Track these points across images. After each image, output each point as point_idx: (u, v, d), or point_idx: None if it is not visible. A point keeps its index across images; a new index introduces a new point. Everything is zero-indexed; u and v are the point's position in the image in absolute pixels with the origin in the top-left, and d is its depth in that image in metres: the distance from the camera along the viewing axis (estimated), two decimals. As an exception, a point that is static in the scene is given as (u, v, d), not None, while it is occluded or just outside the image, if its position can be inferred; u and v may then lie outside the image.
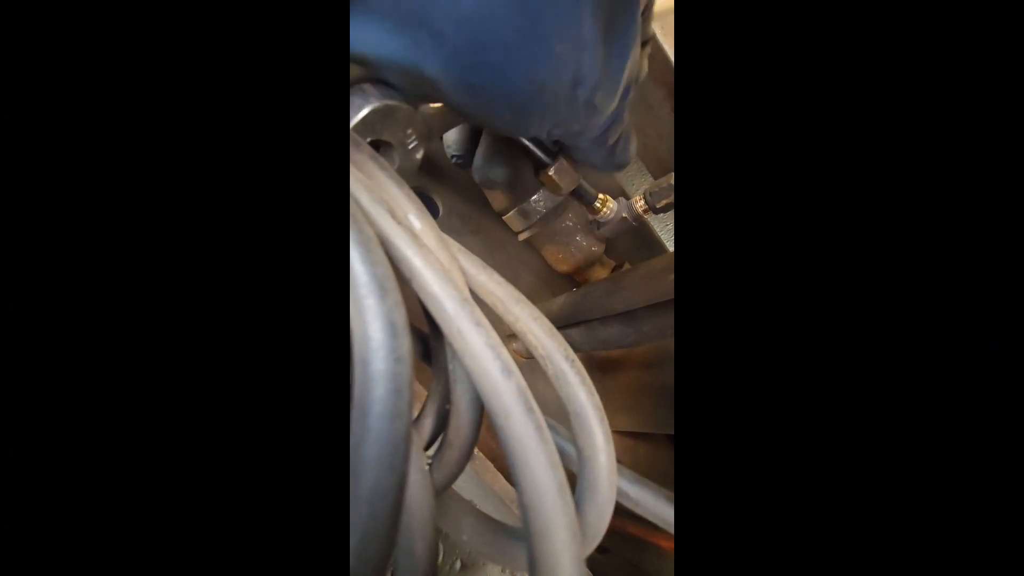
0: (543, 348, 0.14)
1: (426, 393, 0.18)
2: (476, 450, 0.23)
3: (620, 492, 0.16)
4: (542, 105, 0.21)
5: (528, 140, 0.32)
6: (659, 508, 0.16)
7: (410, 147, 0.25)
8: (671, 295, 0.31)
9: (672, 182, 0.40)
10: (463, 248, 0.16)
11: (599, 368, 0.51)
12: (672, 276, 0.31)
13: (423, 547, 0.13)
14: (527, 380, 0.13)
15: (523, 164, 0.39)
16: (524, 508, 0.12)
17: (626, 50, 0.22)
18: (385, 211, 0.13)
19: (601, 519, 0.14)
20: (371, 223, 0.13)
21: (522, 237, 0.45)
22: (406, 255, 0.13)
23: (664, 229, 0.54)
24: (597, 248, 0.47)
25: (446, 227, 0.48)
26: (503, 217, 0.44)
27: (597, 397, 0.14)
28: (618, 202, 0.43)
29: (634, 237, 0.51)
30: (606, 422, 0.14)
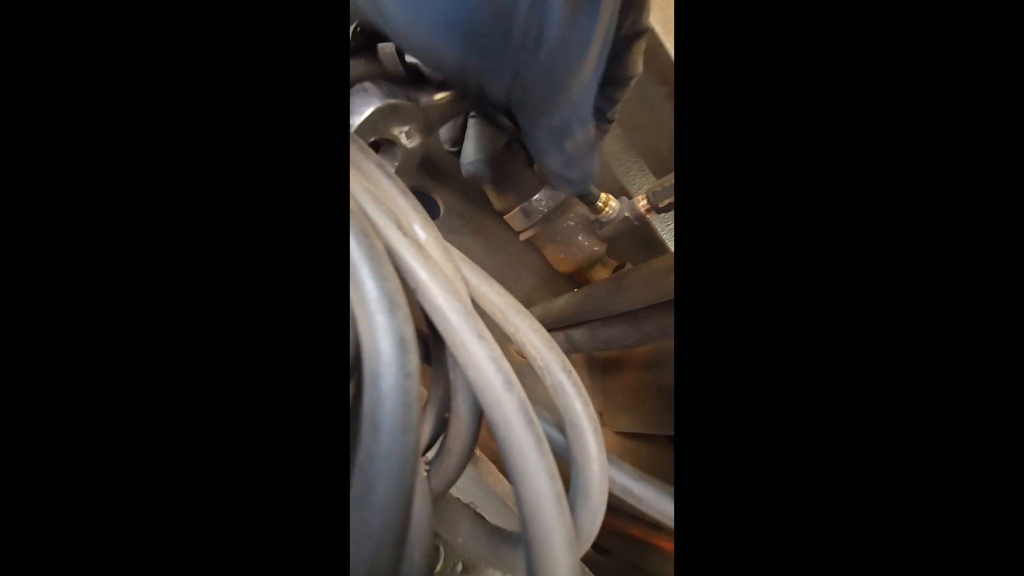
0: (541, 359, 0.15)
1: (426, 394, 0.18)
2: (478, 452, 0.24)
3: (623, 489, 0.16)
4: (495, 44, 0.19)
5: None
6: (661, 504, 0.17)
7: (411, 144, 0.25)
8: (673, 295, 0.31)
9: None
10: (465, 258, 0.16)
11: (601, 368, 0.51)
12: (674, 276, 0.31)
13: (421, 553, 0.13)
14: (525, 377, 0.13)
15: (513, 159, 0.39)
16: (523, 516, 0.12)
17: (592, 27, 0.20)
18: (392, 223, 0.13)
19: (592, 524, 0.14)
20: (380, 236, 0.13)
21: (523, 237, 0.45)
22: (412, 267, 0.13)
23: (666, 229, 0.54)
24: (599, 248, 0.47)
25: (447, 227, 0.48)
26: (504, 217, 0.45)
27: (592, 408, 0.15)
28: (620, 201, 0.43)
29: (636, 237, 0.52)
30: (600, 432, 0.14)
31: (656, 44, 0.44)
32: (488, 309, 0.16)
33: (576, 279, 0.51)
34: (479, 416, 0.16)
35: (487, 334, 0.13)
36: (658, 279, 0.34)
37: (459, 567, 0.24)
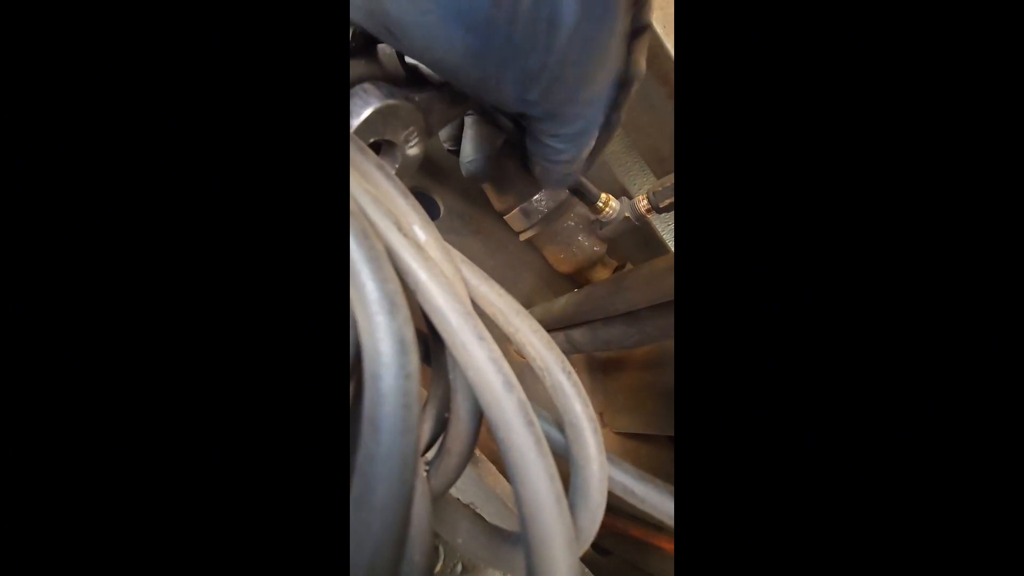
0: (541, 360, 0.15)
1: (426, 394, 0.18)
2: (478, 452, 0.24)
3: (624, 489, 0.16)
4: (498, 38, 0.17)
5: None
6: (663, 504, 0.16)
7: (411, 144, 0.25)
8: (673, 295, 0.31)
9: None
10: (465, 258, 0.16)
11: (601, 369, 0.51)
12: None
13: (421, 552, 0.13)
14: (525, 378, 0.13)
15: (511, 159, 0.39)
16: (523, 516, 0.12)
17: (613, 4, 0.18)
18: (392, 224, 0.13)
19: (592, 524, 0.14)
20: (380, 237, 0.13)
21: (523, 237, 0.45)
22: (412, 268, 0.13)
23: (667, 229, 0.54)
24: (599, 248, 0.47)
25: (447, 227, 0.48)
26: (504, 217, 0.45)
27: (591, 408, 0.15)
28: (621, 202, 0.43)
29: (636, 237, 0.52)
30: (599, 432, 0.14)
31: (657, 44, 0.44)
32: (488, 310, 0.16)
33: (576, 279, 0.51)
34: (479, 417, 0.16)
35: (487, 335, 0.13)
36: (659, 279, 0.34)
37: (459, 567, 0.24)
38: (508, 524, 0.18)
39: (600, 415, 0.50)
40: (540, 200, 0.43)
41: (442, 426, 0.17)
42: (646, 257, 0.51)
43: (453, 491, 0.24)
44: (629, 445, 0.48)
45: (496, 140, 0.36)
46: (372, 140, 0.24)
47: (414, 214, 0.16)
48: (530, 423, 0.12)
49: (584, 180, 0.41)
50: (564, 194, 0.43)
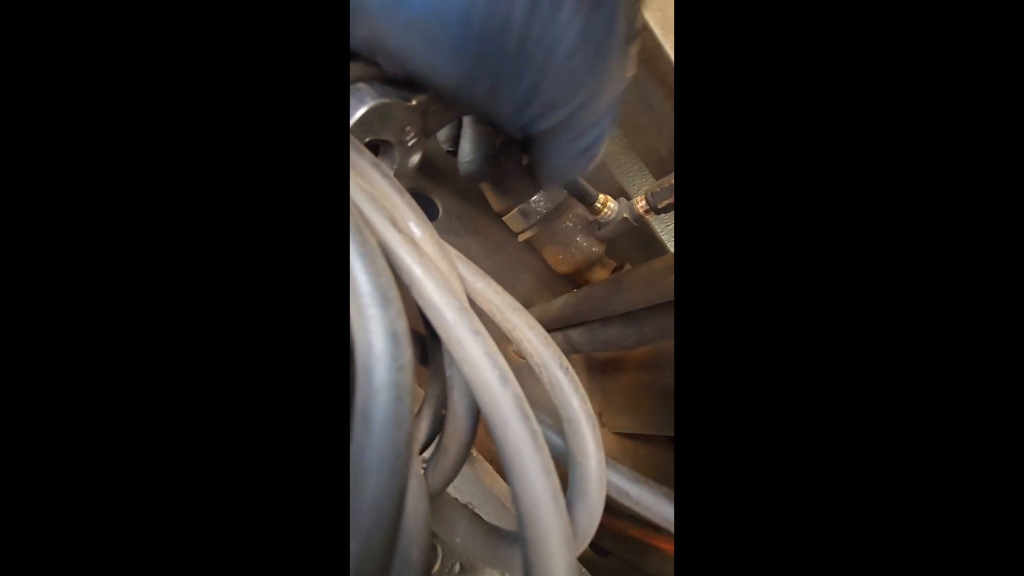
0: (538, 356, 0.15)
1: (423, 393, 0.18)
2: (475, 452, 0.24)
3: (619, 491, 0.16)
4: (491, 58, 0.17)
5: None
6: (658, 506, 0.16)
7: (409, 145, 0.25)
8: (672, 296, 0.31)
9: (673, 182, 0.40)
10: (461, 256, 0.16)
11: (600, 369, 0.51)
12: (673, 277, 0.31)
13: (418, 551, 0.13)
14: (523, 379, 0.13)
15: (510, 159, 0.39)
16: (520, 513, 0.12)
17: (611, 14, 0.18)
18: (387, 220, 0.13)
19: (591, 522, 0.14)
20: (373, 232, 0.13)
21: (522, 238, 0.45)
22: (406, 263, 0.13)
23: (665, 230, 0.54)
24: (598, 249, 0.47)
25: (445, 228, 0.48)
26: (503, 218, 0.45)
27: (589, 404, 0.14)
28: (619, 202, 0.43)
29: (635, 238, 0.52)
30: (597, 429, 0.14)
31: (655, 45, 0.44)
32: (485, 307, 0.16)
33: (575, 280, 0.51)
34: (476, 412, 0.15)
35: (482, 330, 0.13)
36: (657, 280, 0.34)
37: (457, 567, 0.24)
38: (506, 524, 0.18)
39: (599, 415, 0.50)
40: (538, 201, 0.43)
41: (440, 424, 0.17)
42: (645, 258, 0.51)
43: (451, 491, 0.24)
44: (628, 445, 0.48)
45: (495, 140, 0.36)
46: (369, 140, 0.24)
47: (409, 211, 0.15)
48: (526, 417, 0.12)
49: (583, 181, 0.41)
50: (562, 195, 0.43)
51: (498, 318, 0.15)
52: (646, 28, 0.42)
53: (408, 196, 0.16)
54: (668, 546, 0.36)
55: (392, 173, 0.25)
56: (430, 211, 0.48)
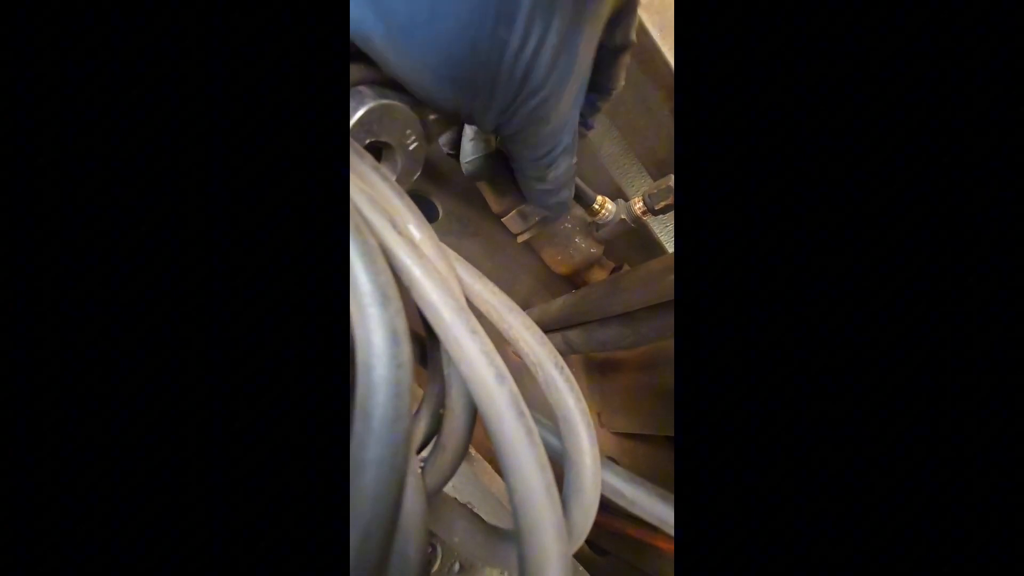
0: (534, 355, 0.15)
1: (421, 393, 0.18)
2: (474, 451, 0.24)
3: (615, 491, 0.17)
4: (486, 89, 0.21)
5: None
6: (654, 507, 0.17)
7: (411, 148, 0.26)
8: (670, 296, 0.31)
9: (670, 184, 0.40)
10: (460, 257, 0.16)
11: (598, 369, 0.51)
12: (671, 277, 0.32)
13: (415, 549, 0.13)
14: (520, 379, 0.13)
15: (507, 162, 0.39)
16: (514, 507, 0.12)
17: (574, 61, 0.22)
18: (387, 221, 0.14)
19: (586, 518, 0.14)
20: (374, 233, 0.13)
21: (521, 239, 0.46)
22: (406, 264, 0.13)
23: (663, 231, 0.55)
24: (596, 250, 0.47)
25: (445, 229, 0.48)
26: (502, 219, 0.45)
27: (584, 403, 0.15)
28: (616, 204, 0.43)
29: (633, 239, 0.52)
30: (592, 427, 0.15)
31: (653, 48, 0.44)
32: (482, 307, 0.16)
33: (574, 281, 0.51)
34: (473, 411, 0.16)
35: (479, 329, 0.13)
36: (655, 280, 0.34)
37: (456, 566, 0.24)
38: (505, 523, 0.18)
39: (597, 415, 0.50)
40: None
41: (438, 424, 0.17)
42: (643, 258, 0.52)
43: (450, 490, 0.24)
44: (626, 445, 0.48)
45: (492, 141, 0.37)
46: (369, 142, 0.24)
47: (409, 213, 0.16)
48: (521, 414, 0.12)
49: (580, 183, 0.41)
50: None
51: (495, 318, 0.16)
52: (645, 32, 0.43)
53: (408, 199, 0.16)
54: (666, 545, 0.36)
55: (394, 177, 0.25)
56: (430, 213, 0.48)
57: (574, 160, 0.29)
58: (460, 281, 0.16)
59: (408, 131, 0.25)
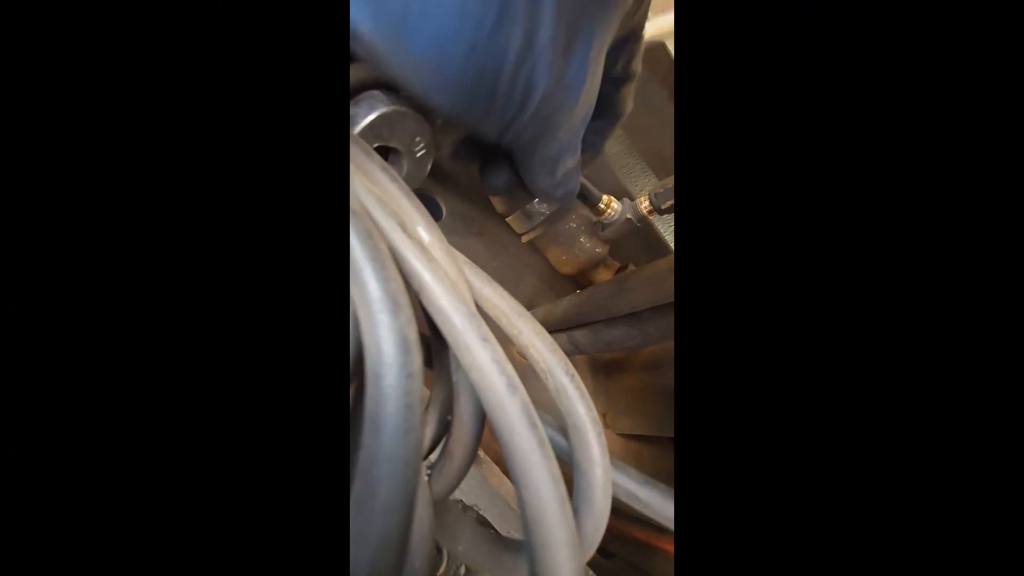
0: (544, 362, 0.15)
1: (428, 395, 0.18)
2: (482, 453, 0.24)
3: (628, 494, 0.16)
4: (484, 98, 0.20)
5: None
6: (668, 508, 0.16)
7: (418, 155, 0.26)
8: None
9: (677, 183, 0.40)
10: (468, 260, 0.16)
11: (604, 370, 0.51)
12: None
13: (422, 558, 0.13)
14: (528, 380, 0.13)
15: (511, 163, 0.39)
16: (526, 520, 0.12)
17: (583, 71, 0.21)
18: (396, 224, 0.13)
19: (597, 529, 0.14)
20: (383, 237, 0.13)
21: (525, 239, 0.45)
22: (416, 269, 0.13)
23: (669, 230, 0.54)
24: (601, 250, 0.47)
25: (449, 229, 0.48)
26: (506, 219, 0.45)
27: (595, 411, 0.14)
28: (622, 203, 0.43)
29: (639, 239, 0.52)
30: (603, 435, 0.14)
31: (658, 46, 0.44)
32: (491, 312, 0.16)
33: (579, 281, 0.51)
34: (482, 419, 0.15)
35: (491, 336, 0.13)
36: (661, 280, 0.34)
37: (462, 570, 0.24)
38: (512, 526, 0.18)
39: (603, 416, 0.50)
40: (541, 203, 0.43)
41: (444, 429, 0.17)
42: (649, 258, 0.51)
43: (457, 492, 0.24)
44: (632, 447, 0.48)
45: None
46: (377, 145, 0.24)
47: (418, 216, 0.16)
48: (534, 425, 0.12)
49: (585, 182, 0.41)
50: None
51: (504, 324, 0.15)
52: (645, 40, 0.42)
53: (417, 200, 0.16)
54: (672, 547, 0.36)
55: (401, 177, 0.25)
56: (434, 212, 0.48)
57: (579, 152, 0.29)
58: (470, 285, 0.15)
59: (417, 138, 0.25)
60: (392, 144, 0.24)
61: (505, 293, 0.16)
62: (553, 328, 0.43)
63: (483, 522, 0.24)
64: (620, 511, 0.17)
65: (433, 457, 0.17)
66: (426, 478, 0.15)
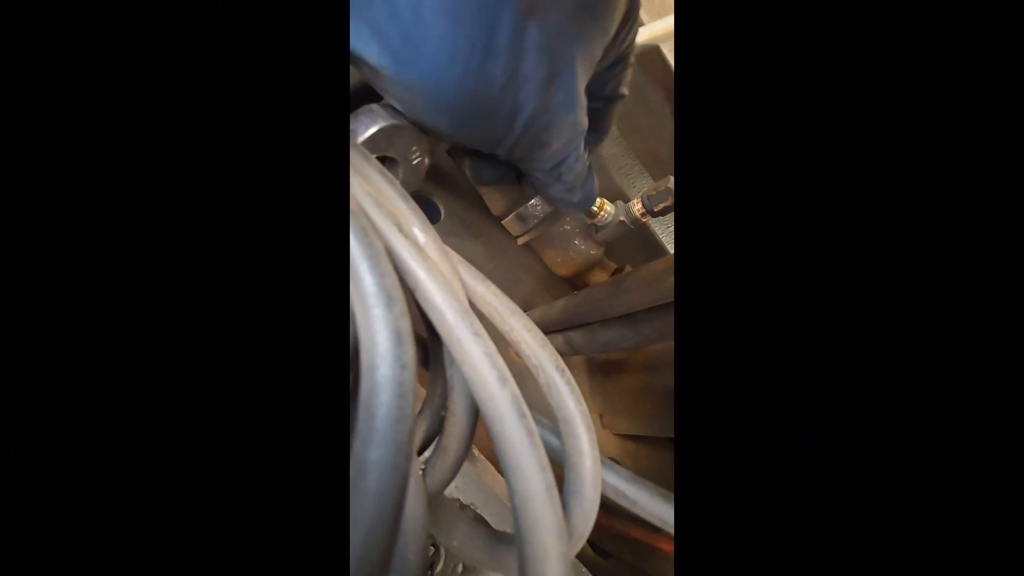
0: (535, 358, 0.15)
1: (424, 393, 0.18)
2: (478, 452, 0.24)
3: (617, 492, 0.17)
4: (476, 118, 0.22)
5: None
6: (656, 507, 0.17)
7: (414, 162, 0.27)
8: (672, 297, 0.31)
9: (669, 185, 0.40)
10: (463, 260, 0.16)
11: (601, 371, 0.51)
12: (673, 278, 0.32)
13: (415, 552, 0.13)
14: (522, 380, 0.13)
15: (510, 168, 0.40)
16: (515, 507, 0.12)
17: (571, 96, 0.23)
18: (392, 224, 0.14)
19: (586, 520, 0.14)
20: (379, 236, 0.13)
21: (521, 241, 0.46)
22: (411, 267, 0.14)
23: (665, 231, 0.55)
24: (596, 252, 0.47)
25: (447, 230, 0.48)
26: (502, 221, 0.45)
27: (585, 405, 0.15)
28: (616, 206, 0.43)
29: (635, 240, 0.52)
30: (593, 429, 0.15)
31: (653, 48, 0.45)
32: (484, 310, 0.16)
33: (575, 282, 0.51)
34: (475, 413, 0.16)
35: (483, 331, 0.13)
36: (657, 281, 0.34)
37: (459, 567, 0.24)
38: (508, 523, 0.18)
39: (599, 417, 0.50)
40: (535, 205, 0.43)
41: (439, 426, 0.17)
42: (645, 259, 0.52)
43: (453, 492, 0.24)
44: (629, 447, 0.48)
45: None
46: (375, 156, 0.25)
47: (414, 216, 0.16)
48: (522, 416, 0.12)
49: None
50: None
51: (497, 321, 0.16)
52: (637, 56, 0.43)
53: (412, 202, 0.16)
54: (668, 547, 0.36)
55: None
56: (432, 214, 0.48)
57: (586, 153, 0.30)
58: (463, 284, 0.16)
59: (414, 148, 0.26)
60: (390, 154, 0.25)
61: (498, 291, 0.16)
62: (550, 329, 0.44)
63: (479, 520, 0.24)
64: (617, 510, 0.17)
65: (427, 454, 0.18)
66: (421, 472, 0.16)
